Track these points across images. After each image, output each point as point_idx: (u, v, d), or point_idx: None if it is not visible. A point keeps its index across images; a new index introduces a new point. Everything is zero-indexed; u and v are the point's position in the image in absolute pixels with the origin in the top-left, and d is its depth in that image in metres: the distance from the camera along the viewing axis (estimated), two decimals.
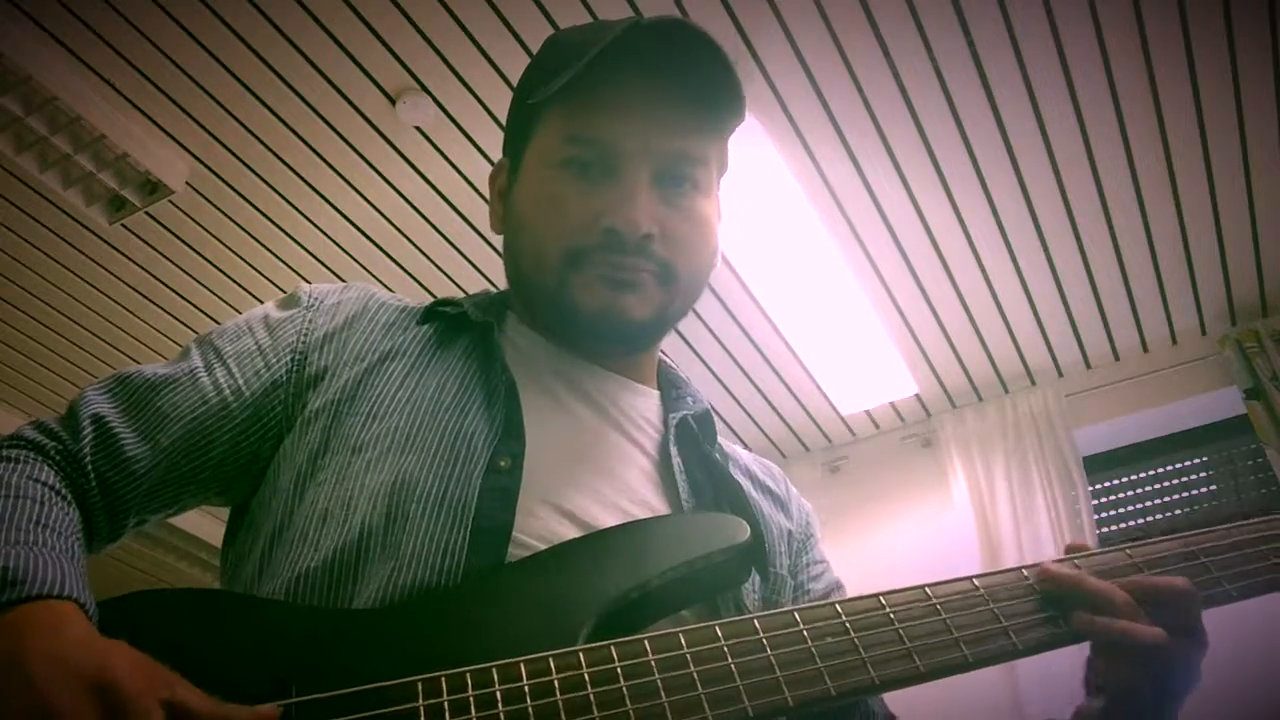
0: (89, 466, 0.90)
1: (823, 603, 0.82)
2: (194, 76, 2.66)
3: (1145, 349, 3.68)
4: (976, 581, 0.84)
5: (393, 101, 2.76)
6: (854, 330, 3.50)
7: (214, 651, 0.75)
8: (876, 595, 0.82)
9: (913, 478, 3.93)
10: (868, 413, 3.98)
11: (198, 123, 2.79)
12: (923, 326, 3.54)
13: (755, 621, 0.79)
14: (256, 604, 0.86)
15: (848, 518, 3.87)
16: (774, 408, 3.94)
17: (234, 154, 2.89)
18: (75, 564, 0.78)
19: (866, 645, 0.78)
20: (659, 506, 0.97)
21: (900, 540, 3.79)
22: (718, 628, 0.78)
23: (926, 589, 0.83)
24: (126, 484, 0.91)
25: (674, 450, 1.02)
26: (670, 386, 1.12)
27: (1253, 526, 0.90)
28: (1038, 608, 0.83)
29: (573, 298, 0.99)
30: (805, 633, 0.78)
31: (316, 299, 1.06)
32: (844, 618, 0.80)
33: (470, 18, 2.55)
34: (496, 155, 1.13)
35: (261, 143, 2.86)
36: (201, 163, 2.90)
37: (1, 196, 2.94)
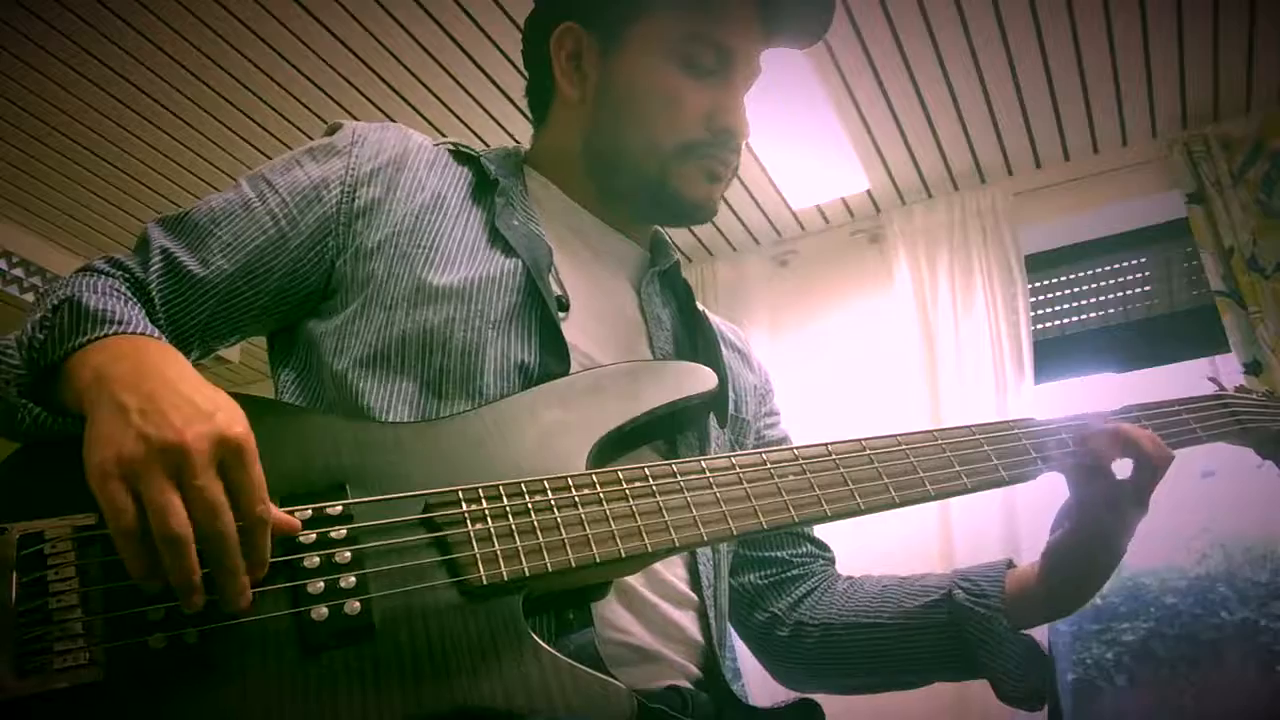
0: (154, 294, 0.96)
1: (783, 448, 1.00)
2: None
3: (1096, 149, 3.70)
4: (899, 439, 1.05)
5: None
6: (808, 124, 3.45)
7: (279, 454, 0.83)
8: (825, 444, 1.01)
9: (859, 272, 3.99)
10: (818, 207, 3.98)
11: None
12: (878, 121, 3.50)
13: (732, 459, 0.96)
14: (315, 416, 0.98)
15: (794, 311, 3.95)
16: (725, 200, 3.92)
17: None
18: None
19: (820, 484, 0.97)
20: (645, 354, 1.12)
21: (843, 332, 3.89)
22: (703, 461, 0.95)
23: (862, 441, 1.02)
24: (189, 309, 0.99)
25: (657, 300, 1.17)
26: (659, 245, 1.25)
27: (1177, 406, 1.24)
28: (981, 456, 1.06)
29: (676, 186, 1.12)
30: (770, 469, 0.96)
31: (360, 135, 1.10)
32: (800, 460, 0.99)
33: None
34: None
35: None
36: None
37: None
